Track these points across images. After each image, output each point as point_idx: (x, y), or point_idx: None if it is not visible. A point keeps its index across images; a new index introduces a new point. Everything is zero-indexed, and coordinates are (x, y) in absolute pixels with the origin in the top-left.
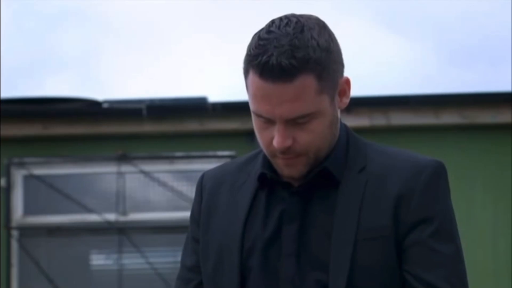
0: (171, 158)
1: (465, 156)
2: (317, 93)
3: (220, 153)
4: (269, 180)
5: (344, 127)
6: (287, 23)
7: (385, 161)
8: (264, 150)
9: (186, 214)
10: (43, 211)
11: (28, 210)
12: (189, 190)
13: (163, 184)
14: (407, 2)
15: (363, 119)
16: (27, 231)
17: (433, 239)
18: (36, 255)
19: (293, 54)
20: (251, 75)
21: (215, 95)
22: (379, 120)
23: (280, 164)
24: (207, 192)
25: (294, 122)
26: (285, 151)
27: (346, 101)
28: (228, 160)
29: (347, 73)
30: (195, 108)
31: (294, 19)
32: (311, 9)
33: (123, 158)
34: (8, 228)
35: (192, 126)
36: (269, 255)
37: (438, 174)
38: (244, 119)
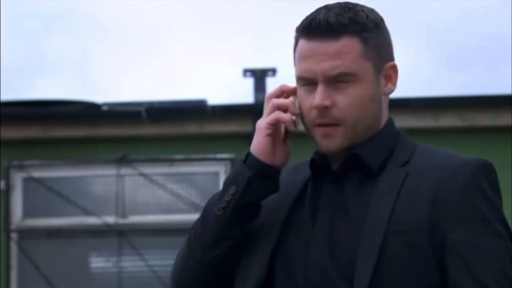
0: (170, 161)
1: None
2: (361, 56)
3: (219, 155)
4: (319, 170)
5: (394, 126)
6: (338, 2)
7: (429, 158)
8: (306, 121)
9: (186, 217)
10: (43, 213)
11: (28, 212)
12: (189, 193)
13: (163, 187)
14: (402, 5)
15: None
16: (26, 234)
17: (478, 235)
18: (35, 258)
19: (341, 14)
20: (300, 42)
21: (215, 98)
22: None
23: (319, 136)
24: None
25: (334, 84)
26: (324, 114)
27: (392, 88)
28: (227, 162)
29: None
30: (195, 110)
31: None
32: (306, 13)
33: (123, 161)
34: (8, 230)
35: (191, 128)
36: (302, 238)
37: (481, 171)
38: (243, 122)
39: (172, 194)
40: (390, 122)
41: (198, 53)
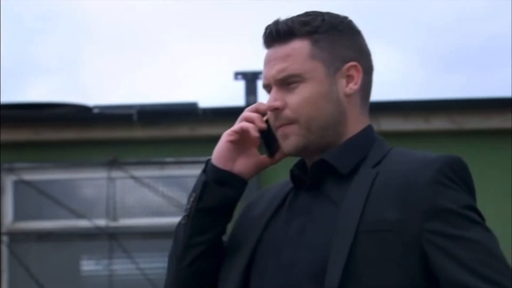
0: (161, 164)
1: None
2: (309, 56)
3: None
4: (298, 180)
5: (373, 133)
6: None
7: (399, 159)
8: (271, 125)
9: (177, 220)
10: (33, 216)
11: (18, 215)
12: (180, 196)
13: (154, 190)
14: (393, 8)
15: None
16: (17, 237)
17: (454, 226)
18: (26, 261)
19: (293, 19)
20: (265, 57)
21: (206, 101)
22: None
23: (280, 138)
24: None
25: (285, 86)
26: (277, 115)
27: (354, 87)
28: None
29: None
30: (186, 113)
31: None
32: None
33: (114, 164)
34: None
35: (182, 131)
36: (275, 244)
37: (447, 166)
38: None
39: (163, 197)
40: (368, 129)
41: (189, 56)
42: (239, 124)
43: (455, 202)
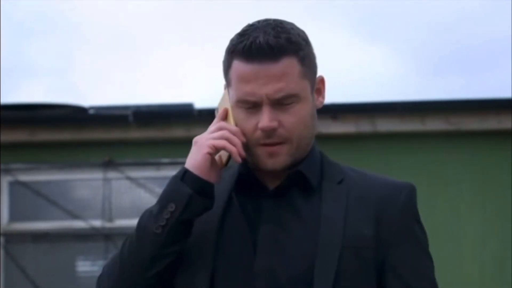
0: (157, 165)
1: (451, 162)
2: (300, 76)
3: None
4: (244, 184)
5: (316, 145)
6: (266, 20)
7: (361, 179)
8: (248, 141)
9: None
10: (29, 217)
11: (14, 216)
12: None
13: (150, 190)
14: (389, 11)
15: (350, 126)
16: (13, 238)
17: (416, 258)
18: (22, 262)
19: (278, 35)
20: (236, 63)
21: (201, 102)
22: (365, 126)
23: (263, 155)
24: None
25: (279, 105)
26: (271, 134)
27: (322, 100)
28: None
29: (335, 80)
30: (182, 114)
31: (272, 18)
32: (294, 16)
33: (109, 164)
34: None
35: (178, 132)
36: (243, 253)
37: (414, 196)
38: None
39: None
40: (314, 142)
41: (184, 57)
42: (220, 143)
43: (420, 235)
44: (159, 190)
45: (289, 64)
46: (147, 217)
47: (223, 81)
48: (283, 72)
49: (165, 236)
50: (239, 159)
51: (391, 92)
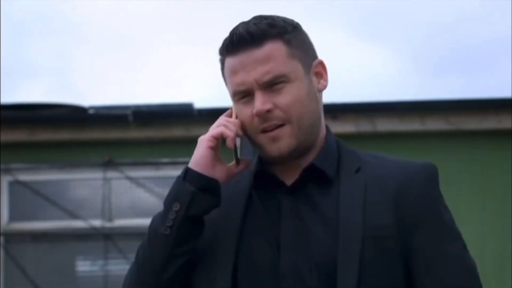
0: (157, 164)
1: (451, 162)
2: (288, 56)
3: None
4: (263, 181)
5: (331, 133)
6: (253, 16)
7: (379, 164)
8: (248, 131)
9: None
10: (29, 217)
11: (14, 216)
12: None
13: (149, 190)
14: (386, 10)
15: (349, 126)
16: (12, 237)
17: (440, 239)
18: (21, 262)
19: (259, 22)
20: (226, 61)
21: (201, 101)
22: (365, 126)
23: (267, 141)
24: None
25: (270, 88)
26: (267, 117)
27: (325, 83)
28: None
29: (335, 80)
30: (181, 114)
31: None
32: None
33: (109, 164)
34: None
35: (178, 132)
36: (266, 251)
37: (435, 176)
38: None
39: (158, 198)
40: (329, 131)
41: (184, 57)
42: (218, 129)
43: (444, 215)
44: (159, 190)
45: (274, 47)
46: (156, 220)
47: (222, 81)
48: (268, 55)
49: (174, 236)
50: (230, 144)
51: (391, 92)
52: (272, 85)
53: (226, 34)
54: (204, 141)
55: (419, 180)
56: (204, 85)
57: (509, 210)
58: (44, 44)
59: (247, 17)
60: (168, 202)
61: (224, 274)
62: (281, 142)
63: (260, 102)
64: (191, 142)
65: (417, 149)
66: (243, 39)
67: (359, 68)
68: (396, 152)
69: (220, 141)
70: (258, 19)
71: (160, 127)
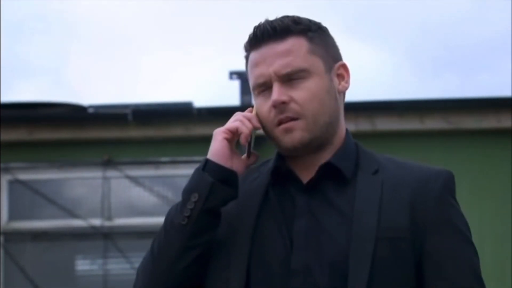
0: (156, 163)
1: (450, 161)
2: (309, 52)
3: None
4: (280, 178)
5: (351, 136)
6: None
7: (397, 168)
8: (267, 125)
9: None
10: (28, 216)
11: (13, 215)
12: (175, 195)
13: (149, 189)
14: (385, 12)
15: (348, 124)
16: (12, 236)
17: (453, 243)
18: (21, 260)
19: (283, 19)
20: (250, 55)
21: (201, 100)
22: (364, 125)
23: (280, 133)
24: None
25: (289, 81)
26: (283, 109)
27: (346, 85)
28: None
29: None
30: (181, 113)
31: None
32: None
33: (109, 163)
34: None
35: (177, 131)
36: (278, 246)
37: (450, 182)
38: None
39: (158, 197)
40: (348, 132)
41: (184, 56)
42: (234, 124)
43: (458, 221)
44: (158, 189)
45: (296, 42)
46: (173, 211)
47: (222, 80)
48: (289, 49)
49: (191, 227)
50: (244, 142)
51: (390, 91)
52: (291, 78)
53: (226, 33)
54: (219, 133)
55: (435, 184)
56: (204, 84)
57: (509, 209)
58: (41, 43)
59: (247, 17)
60: (187, 192)
61: (238, 270)
62: (294, 134)
63: (277, 93)
64: (191, 141)
65: (416, 148)
66: (266, 33)
67: (355, 68)
68: (395, 151)
69: (235, 135)
70: (284, 16)
71: (160, 126)
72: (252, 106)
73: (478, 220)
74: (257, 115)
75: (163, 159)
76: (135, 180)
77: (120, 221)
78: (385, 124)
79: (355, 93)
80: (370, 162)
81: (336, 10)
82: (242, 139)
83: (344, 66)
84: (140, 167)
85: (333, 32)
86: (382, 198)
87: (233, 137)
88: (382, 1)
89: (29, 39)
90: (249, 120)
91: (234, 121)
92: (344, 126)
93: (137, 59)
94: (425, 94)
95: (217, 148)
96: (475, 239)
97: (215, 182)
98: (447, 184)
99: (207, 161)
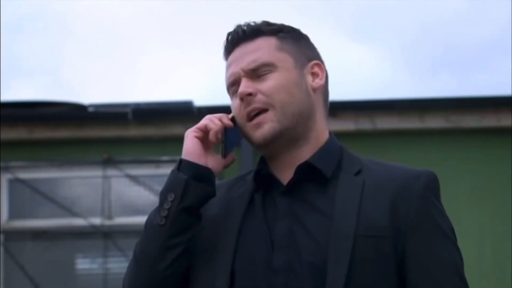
0: (156, 162)
1: (450, 160)
2: (277, 48)
3: None
4: (263, 181)
5: (336, 140)
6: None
7: (380, 169)
8: (239, 122)
9: None
10: (28, 215)
11: (13, 214)
12: None
13: (149, 188)
14: (381, 12)
15: (349, 123)
16: (12, 235)
17: (434, 243)
18: (21, 259)
19: (256, 22)
20: (227, 61)
21: (201, 99)
22: (364, 124)
23: (251, 129)
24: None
25: (257, 77)
26: (249, 101)
27: (320, 82)
28: None
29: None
30: (181, 112)
31: None
32: (291, 13)
33: (109, 162)
34: None
35: (177, 130)
36: (262, 250)
37: (433, 183)
38: None
39: (158, 196)
40: (332, 136)
41: (184, 55)
42: (202, 122)
43: (441, 221)
44: (158, 187)
45: (265, 41)
46: (153, 213)
47: (222, 79)
48: (257, 47)
49: (169, 226)
50: (212, 137)
51: (389, 90)
52: (258, 74)
53: (225, 33)
54: (190, 132)
55: (417, 185)
56: (204, 83)
57: (509, 208)
58: (40, 42)
59: (247, 17)
60: (164, 193)
61: (223, 270)
62: (264, 127)
63: (242, 86)
64: None
65: (416, 147)
66: (237, 36)
67: (353, 68)
68: (395, 150)
69: (205, 133)
70: (255, 21)
71: (160, 125)
72: None
73: (478, 218)
74: (234, 117)
75: (163, 158)
76: (135, 179)
77: (120, 220)
78: (385, 123)
79: (355, 92)
80: (353, 164)
81: (336, 10)
82: (211, 136)
83: (319, 65)
84: (140, 166)
85: (332, 32)
86: (362, 198)
87: (204, 135)
88: (381, 1)
89: (29, 38)
90: (219, 119)
91: (203, 120)
92: (326, 127)
93: (137, 58)
94: (423, 94)
95: (189, 147)
96: (475, 239)
97: (189, 180)
98: (429, 184)
99: (181, 160)
